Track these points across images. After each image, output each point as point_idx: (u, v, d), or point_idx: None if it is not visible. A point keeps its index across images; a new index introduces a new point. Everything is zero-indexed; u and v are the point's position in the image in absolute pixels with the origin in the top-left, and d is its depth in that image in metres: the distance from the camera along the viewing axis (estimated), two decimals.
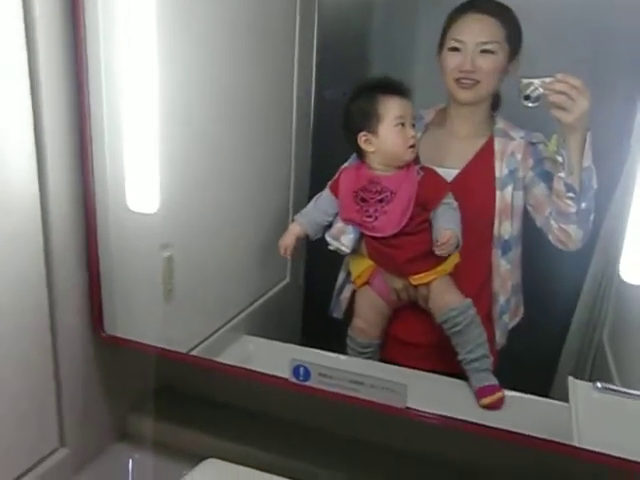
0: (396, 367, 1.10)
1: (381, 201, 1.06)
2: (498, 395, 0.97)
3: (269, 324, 1.36)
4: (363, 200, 1.07)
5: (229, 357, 1.13)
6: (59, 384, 1.01)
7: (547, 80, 0.92)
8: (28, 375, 0.95)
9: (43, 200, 0.92)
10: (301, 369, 0.91)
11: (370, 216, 1.07)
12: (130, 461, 1.16)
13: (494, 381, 1.00)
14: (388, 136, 1.04)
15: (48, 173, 0.91)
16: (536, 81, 0.93)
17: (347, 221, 1.11)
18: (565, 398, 0.95)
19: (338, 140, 1.11)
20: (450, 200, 1.05)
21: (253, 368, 1.00)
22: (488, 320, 1.12)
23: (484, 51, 1.04)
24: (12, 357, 0.92)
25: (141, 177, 0.95)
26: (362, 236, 1.12)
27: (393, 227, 1.05)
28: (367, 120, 1.05)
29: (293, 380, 0.92)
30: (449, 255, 1.04)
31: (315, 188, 1.19)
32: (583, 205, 0.98)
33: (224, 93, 1.12)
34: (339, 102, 1.14)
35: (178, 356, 1.06)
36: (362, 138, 1.06)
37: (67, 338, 1.01)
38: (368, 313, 1.16)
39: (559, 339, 1.22)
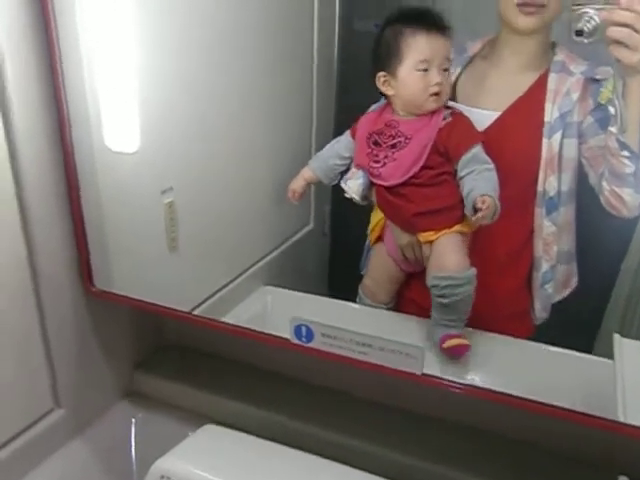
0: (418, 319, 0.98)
1: (393, 147, 0.92)
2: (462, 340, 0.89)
3: (292, 274, 1.26)
4: (376, 143, 0.94)
5: (244, 309, 1.06)
6: (47, 342, 0.94)
7: (605, 7, 0.69)
8: (10, 333, 0.88)
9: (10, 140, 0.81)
10: (303, 329, 0.80)
11: (378, 161, 0.93)
12: (133, 420, 1.09)
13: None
14: (407, 80, 0.88)
15: (13, 111, 0.81)
16: (591, 10, 0.70)
17: (357, 166, 0.98)
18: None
19: (368, 78, 0.95)
20: (482, 154, 0.88)
21: (254, 328, 0.91)
22: (526, 289, 0.98)
23: None
24: None
25: (118, 111, 0.84)
26: (372, 183, 0.98)
27: (399, 176, 0.91)
28: (388, 58, 0.88)
29: (295, 341, 0.81)
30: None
31: (341, 126, 1.06)
32: None
33: (228, 17, 1.00)
34: (370, 35, 0.96)
35: (173, 314, 0.97)
36: (381, 79, 0.90)
37: (53, 294, 0.93)
38: (378, 273, 1.05)
39: (603, 297, 1.06)
